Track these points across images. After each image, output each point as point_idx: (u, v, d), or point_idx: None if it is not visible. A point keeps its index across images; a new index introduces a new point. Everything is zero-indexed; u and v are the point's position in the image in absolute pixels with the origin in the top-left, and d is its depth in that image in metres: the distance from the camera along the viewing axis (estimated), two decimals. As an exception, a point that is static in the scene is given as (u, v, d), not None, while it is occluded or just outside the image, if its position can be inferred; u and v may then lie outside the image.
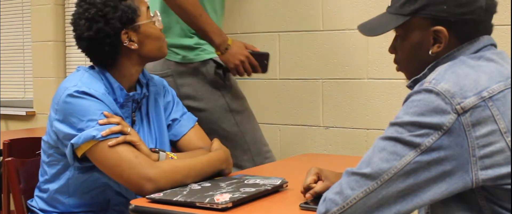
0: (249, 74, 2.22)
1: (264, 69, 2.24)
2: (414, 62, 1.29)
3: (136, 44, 1.70)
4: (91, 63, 1.76)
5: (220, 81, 2.27)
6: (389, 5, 1.34)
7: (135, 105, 1.78)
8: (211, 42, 2.19)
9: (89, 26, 1.67)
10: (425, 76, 1.23)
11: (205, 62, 2.28)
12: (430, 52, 1.24)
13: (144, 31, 1.72)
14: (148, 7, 1.76)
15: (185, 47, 2.27)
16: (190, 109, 2.01)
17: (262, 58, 2.22)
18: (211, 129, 2.17)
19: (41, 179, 1.78)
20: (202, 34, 2.18)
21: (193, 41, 2.27)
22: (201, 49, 2.28)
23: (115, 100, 1.70)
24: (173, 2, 2.13)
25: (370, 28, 1.35)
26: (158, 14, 1.79)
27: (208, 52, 2.28)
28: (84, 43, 1.69)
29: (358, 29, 1.37)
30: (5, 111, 4.06)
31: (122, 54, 1.71)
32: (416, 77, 1.26)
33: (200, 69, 2.27)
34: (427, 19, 1.24)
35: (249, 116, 2.39)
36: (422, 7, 1.24)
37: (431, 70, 1.23)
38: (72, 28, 1.72)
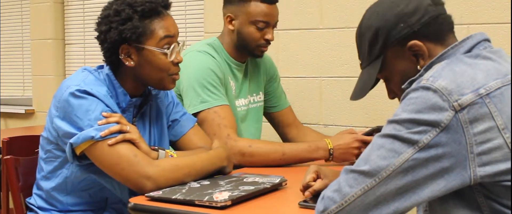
0: None
1: None
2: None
3: (132, 62, 1.67)
4: (93, 63, 1.76)
5: None
6: (360, 62, 1.37)
7: (137, 110, 1.78)
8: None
9: (98, 24, 1.70)
10: (420, 76, 1.23)
11: None
12: (419, 67, 1.27)
13: (146, 55, 1.66)
14: (169, 36, 1.68)
15: None
16: None
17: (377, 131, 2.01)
18: None
19: (38, 176, 1.79)
20: (303, 162, 2.07)
21: None
22: None
23: (118, 104, 1.70)
24: (256, 160, 2.02)
25: (358, 92, 1.38)
26: (180, 46, 1.72)
27: None
28: (97, 37, 1.72)
29: (350, 99, 1.40)
30: (4, 109, 4.05)
31: (122, 64, 1.70)
32: (412, 78, 1.26)
33: None
34: (397, 45, 1.27)
35: None
36: (385, 40, 1.27)
37: (427, 69, 1.23)
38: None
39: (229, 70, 2.20)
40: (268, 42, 2.17)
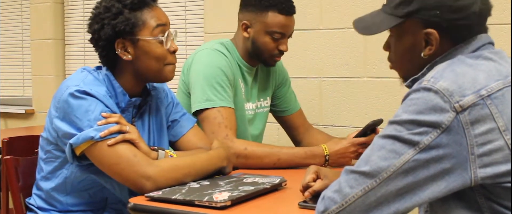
0: None
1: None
2: (406, 63, 1.29)
3: (130, 56, 1.68)
4: (93, 63, 1.76)
5: None
6: (384, 3, 1.34)
7: (136, 110, 1.77)
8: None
9: (90, 24, 1.70)
10: (423, 75, 1.23)
11: None
12: (422, 55, 1.25)
13: (142, 46, 1.67)
14: (162, 24, 1.70)
15: None
16: None
17: (370, 128, 2.04)
18: None
19: (37, 176, 1.78)
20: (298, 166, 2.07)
21: None
22: None
23: (117, 104, 1.70)
24: (250, 163, 2.02)
25: (364, 26, 1.35)
26: (174, 35, 1.73)
27: None
28: (91, 39, 1.72)
29: (353, 25, 1.37)
30: (4, 109, 4.06)
31: (119, 61, 1.70)
32: (415, 76, 1.25)
33: None
34: (420, 22, 1.24)
35: None
36: (415, 10, 1.24)
37: (430, 69, 1.23)
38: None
39: (240, 73, 2.19)
40: (282, 52, 2.17)
